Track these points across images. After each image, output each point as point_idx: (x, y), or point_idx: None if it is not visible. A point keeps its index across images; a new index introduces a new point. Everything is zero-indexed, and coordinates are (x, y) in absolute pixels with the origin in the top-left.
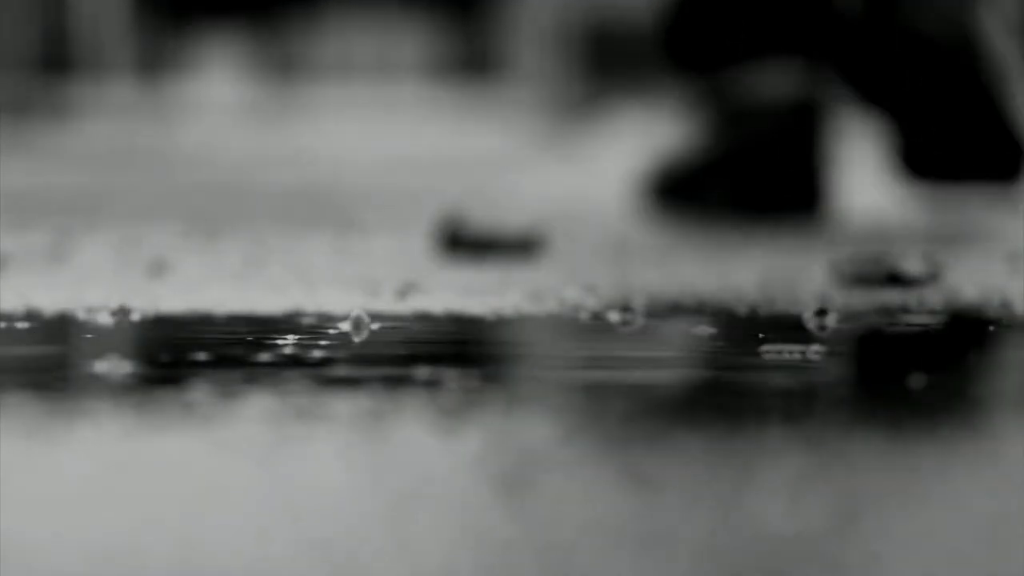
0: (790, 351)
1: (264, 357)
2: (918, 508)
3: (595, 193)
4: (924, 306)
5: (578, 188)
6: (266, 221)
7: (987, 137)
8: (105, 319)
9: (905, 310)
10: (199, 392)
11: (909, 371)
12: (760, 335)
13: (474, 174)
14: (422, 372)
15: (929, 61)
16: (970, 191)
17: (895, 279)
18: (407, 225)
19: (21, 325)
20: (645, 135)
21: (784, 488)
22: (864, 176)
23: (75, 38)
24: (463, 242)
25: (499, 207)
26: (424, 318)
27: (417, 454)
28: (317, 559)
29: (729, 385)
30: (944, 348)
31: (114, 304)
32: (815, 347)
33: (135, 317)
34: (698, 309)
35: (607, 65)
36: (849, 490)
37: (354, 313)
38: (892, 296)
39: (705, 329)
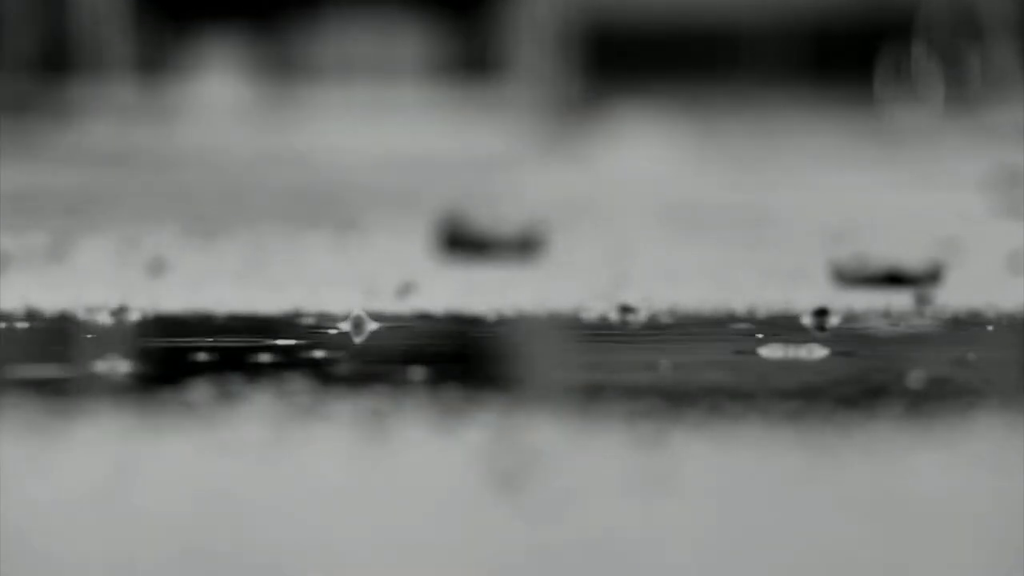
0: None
1: (264, 357)
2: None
3: (596, 193)
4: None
5: (579, 188)
6: (266, 221)
7: None
8: (105, 319)
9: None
10: (199, 392)
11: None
12: (759, 335)
13: (474, 174)
14: (422, 372)
15: None
16: None
17: (895, 279)
18: (407, 225)
19: (21, 325)
20: (644, 136)
21: (783, 486)
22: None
23: (75, 39)
24: (463, 242)
25: (499, 207)
26: (424, 318)
27: (417, 453)
28: (317, 557)
29: (729, 385)
30: None
31: (114, 304)
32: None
33: (135, 317)
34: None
35: (607, 65)
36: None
37: (354, 313)
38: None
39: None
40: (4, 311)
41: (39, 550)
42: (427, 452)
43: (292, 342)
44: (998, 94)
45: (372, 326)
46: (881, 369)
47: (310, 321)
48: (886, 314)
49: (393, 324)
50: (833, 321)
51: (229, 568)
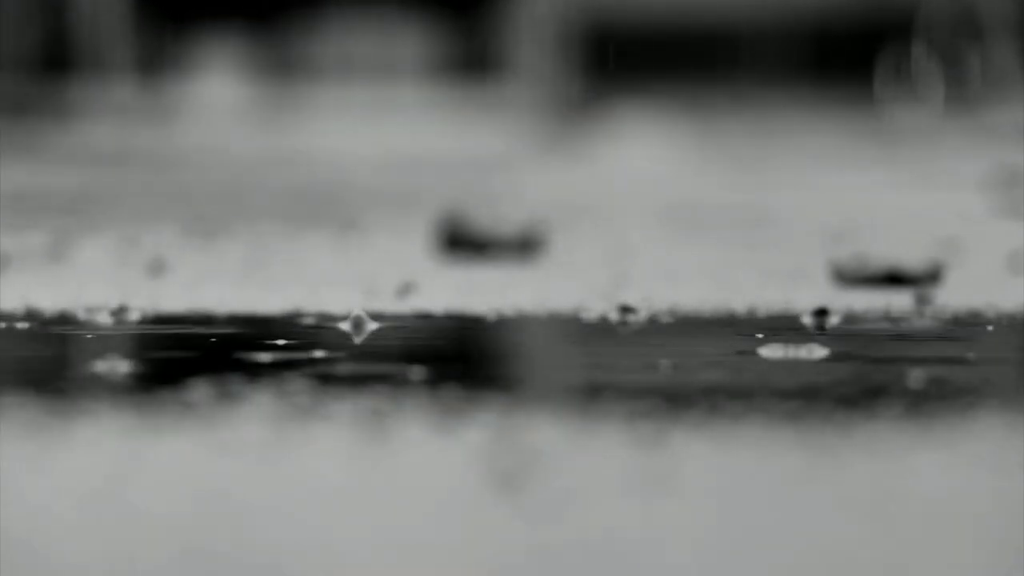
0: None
1: (264, 357)
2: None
3: (596, 193)
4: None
5: (579, 188)
6: (266, 221)
7: None
8: (105, 319)
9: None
10: (199, 392)
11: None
12: (759, 335)
13: (474, 174)
14: (422, 372)
15: None
16: None
17: (895, 279)
18: (407, 225)
19: (21, 325)
20: (645, 136)
21: (784, 486)
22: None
23: (75, 38)
24: (463, 242)
25: (499, 207)
26: (424, 318)
27: (417, 453)
28: (317, 557)
29: (728, 385)
30: None
31: (114, 304)
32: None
33: (135, 317)
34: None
35: (607, 65)
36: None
37: (354, 313)
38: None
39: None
40: (4, 311)
41: (39, 550)
42: (427, 452)
43: (292, 342)
44: (998, 94)
45: (372, 326)
46: (881, 369)
47: (310, 321)
48: (886, 314)
49: (393, 324)
50: (833, 321)
51: (229, 568)
